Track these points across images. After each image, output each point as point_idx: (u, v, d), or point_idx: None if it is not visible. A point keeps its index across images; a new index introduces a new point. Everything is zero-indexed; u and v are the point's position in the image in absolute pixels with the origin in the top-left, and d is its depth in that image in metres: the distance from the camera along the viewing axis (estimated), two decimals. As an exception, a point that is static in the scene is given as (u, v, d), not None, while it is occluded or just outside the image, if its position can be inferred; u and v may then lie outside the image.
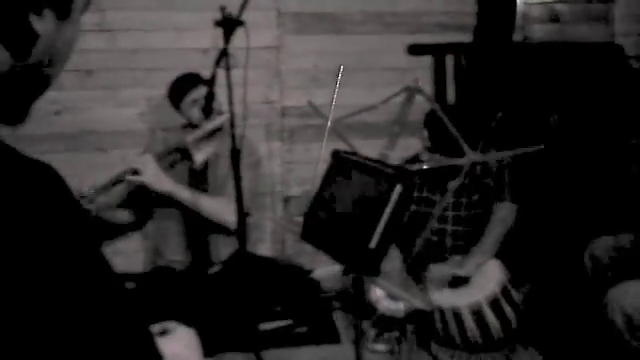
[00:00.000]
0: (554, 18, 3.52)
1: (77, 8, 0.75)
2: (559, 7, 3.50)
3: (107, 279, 0.72)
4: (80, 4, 0.75)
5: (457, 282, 2.62)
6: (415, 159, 2.89)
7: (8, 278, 0.62)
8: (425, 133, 2.80)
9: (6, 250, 0.62)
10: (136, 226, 3.20)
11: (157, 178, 2.66)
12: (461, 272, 2.61)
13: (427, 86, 3.48)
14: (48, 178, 0.68)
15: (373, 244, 1.34)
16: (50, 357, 0.64)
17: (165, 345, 0.89)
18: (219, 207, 2.75)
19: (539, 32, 3.58)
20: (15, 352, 0.62)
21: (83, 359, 0.66)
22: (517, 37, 3.55)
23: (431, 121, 2.74)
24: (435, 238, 2.87)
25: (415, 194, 2.91)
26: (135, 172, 2.62)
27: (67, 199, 0.69)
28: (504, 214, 2.75)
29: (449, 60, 3.53)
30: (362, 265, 1.38)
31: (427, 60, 3.52)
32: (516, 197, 2.76)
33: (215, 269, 2.91)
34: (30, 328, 0.63)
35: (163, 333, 1.00)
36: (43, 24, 0.70)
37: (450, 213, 2.85)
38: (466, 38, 3.54)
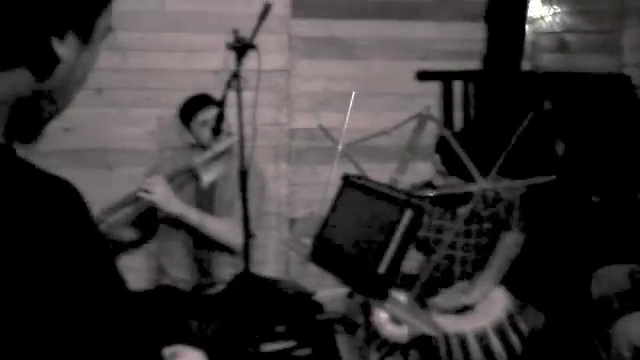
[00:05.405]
0: (563, 48, 3.54)
1: (99, 34, 0.76)
2: (568, 37, 3.53)
3: (120, 294, 0.73)
4: (102, 30, 0.76)
5: (462, 308, 2.60)
6: (428, 185, 2.89)
7: (25, 290, 0.62)
8: (437, 157, 2.78)
9: (23, 263, 0.62)
10: (140, 244, 3.20)
11: (168, 200, 2.68)
12: (467, 300, 2.60)
13: (435, 112, 3.50)
14: (66, 193, 0.69)
15: (382, 269, 1.33)
16: None
17: None
18: (226, 230, 2.76)
19: (547, 61, 3.60)
20: None
21: None
22: (525, 66, 3.58)
23: (443, 146, 2.72)
24: (444, 264, 2.85)
25: (425, 220, 2.89)
26: (146, 192, 2.65)
27: (84, 214, 0.70)
28: (509, 243, 2.73)
29: (457, 87, 3.56)
30: (370, 290, 1.38)
31: (435, 86, 3.54)
32: (524, 227, 2.75)
33: (219, 289, 2.90)
34: (41, 341, 0.63)
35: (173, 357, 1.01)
36: (65, 48, 0.71)
37: (460, 240, 2.83)
38: (474, 65, 3.56)
